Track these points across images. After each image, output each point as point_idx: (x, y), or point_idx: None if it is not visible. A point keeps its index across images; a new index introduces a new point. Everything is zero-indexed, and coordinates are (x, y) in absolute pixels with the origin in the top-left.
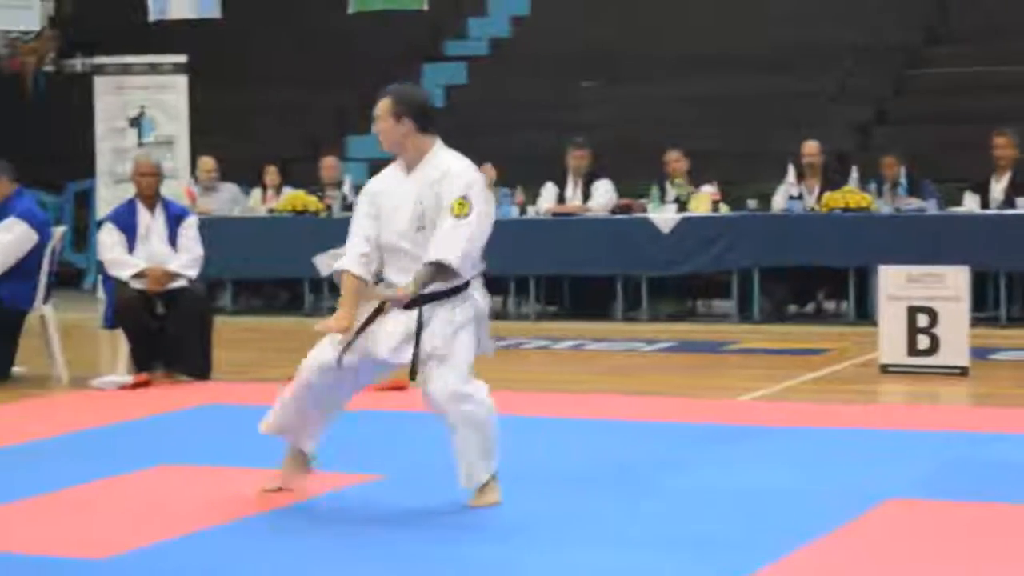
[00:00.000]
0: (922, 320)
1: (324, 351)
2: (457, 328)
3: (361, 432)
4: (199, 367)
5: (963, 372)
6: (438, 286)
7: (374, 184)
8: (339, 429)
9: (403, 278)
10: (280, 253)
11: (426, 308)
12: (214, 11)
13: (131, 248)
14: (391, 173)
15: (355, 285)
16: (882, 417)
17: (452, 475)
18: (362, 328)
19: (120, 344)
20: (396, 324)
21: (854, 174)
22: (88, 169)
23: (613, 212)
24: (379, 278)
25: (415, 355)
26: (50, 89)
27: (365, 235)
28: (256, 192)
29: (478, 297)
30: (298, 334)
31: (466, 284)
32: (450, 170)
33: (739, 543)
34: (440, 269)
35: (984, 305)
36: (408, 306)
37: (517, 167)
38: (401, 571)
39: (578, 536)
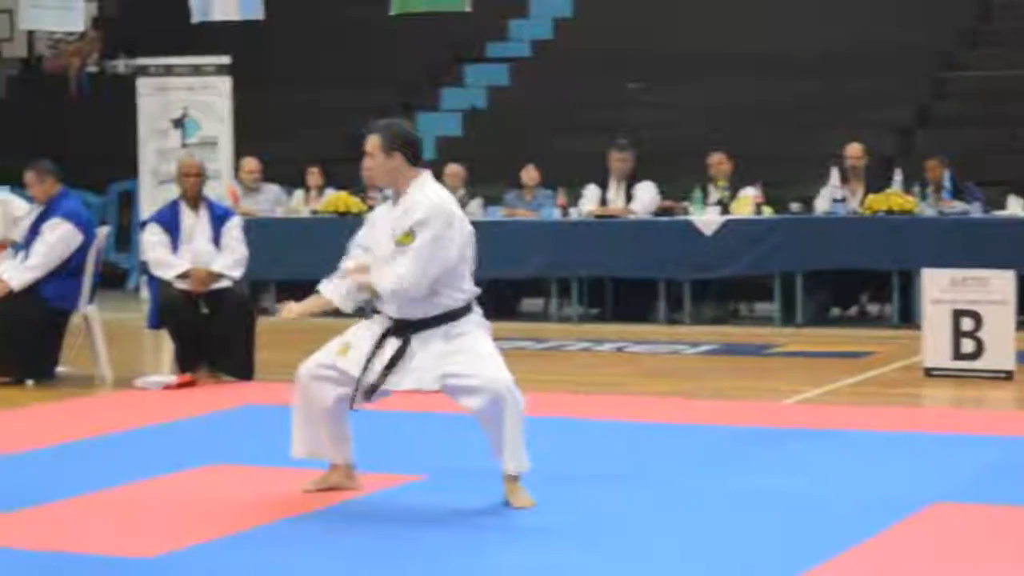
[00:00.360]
0: (967, 324)
1: (311, 361)
2: (463, 335)
3: (402, 433)
4: (243, 367)
5: (1008, 376)
6: (428, 311)
7: (373, 213)
8: (381, 430)
9: (389, 308)
10: (322, 254)
11: (421, 334)
12: (257, 12)
13: (175, 248)
14: (387, 204)
15: (320, 303)
16: (927, 420)
17: (492, 476)
18: (368, 363)
19: (164, 344)
20: (423, 356)
21: (898, 177)
22: (131, 170)
23: (656, 214)
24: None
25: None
26: (94, 90)
27: (351, 262)
28: (299, 193)
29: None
30: (340, 334)
31: (466, 308)
32: (413, 201)
33: (784, 546)
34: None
35: None
36: (399, 332)
37: (559, 169)
38: (439, 573)
39: (620, 539)
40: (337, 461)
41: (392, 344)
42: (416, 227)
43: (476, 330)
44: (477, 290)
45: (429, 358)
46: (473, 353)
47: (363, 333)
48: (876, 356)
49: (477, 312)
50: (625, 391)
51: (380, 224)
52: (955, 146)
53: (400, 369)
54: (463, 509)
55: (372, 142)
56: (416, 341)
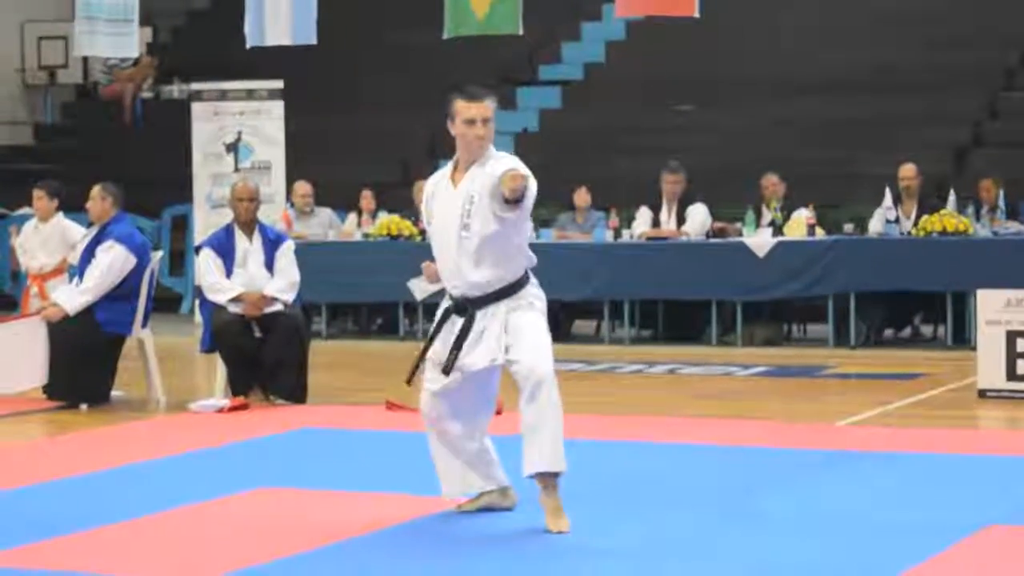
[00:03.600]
0: (1022, 345)
1: (424, 395)
2: (519, 310)
3: None
4: (295, 391)
5: None
6: (497, 284)
7: (429, 189)
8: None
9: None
10: (374, 277)
11: (486, 310)
12: (310, 37)
13: (229, 273)
14: (442, 179)
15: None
16: (982, 442)
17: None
18: (455, 348)
19: (217, 368)
20: (486, 336)
21: (951, 197)
22: (185, 194)
23: (708, 236)
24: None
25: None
26: (148, 115)
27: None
28: (351, 217)
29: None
30: (392, 358)
31: (526, 277)
32: (497, 162)
33: (838, 569)
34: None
35: None
36: (460, 310)
37: (611, 191)
38: None
39: (671, 562)
40: (489, 488)
41: (458, 322)
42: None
43: (532, 308)
44: (535, 258)
45: (495, 333)
46: (520, 335)
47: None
48: (930, 377)
49: (534, 282)
50: (677, 413)
51: (441, 198)
52: (1009, 166)
53: (471, 347)
54: (511, 530)
55: (489, 106)
56: (480, 316)
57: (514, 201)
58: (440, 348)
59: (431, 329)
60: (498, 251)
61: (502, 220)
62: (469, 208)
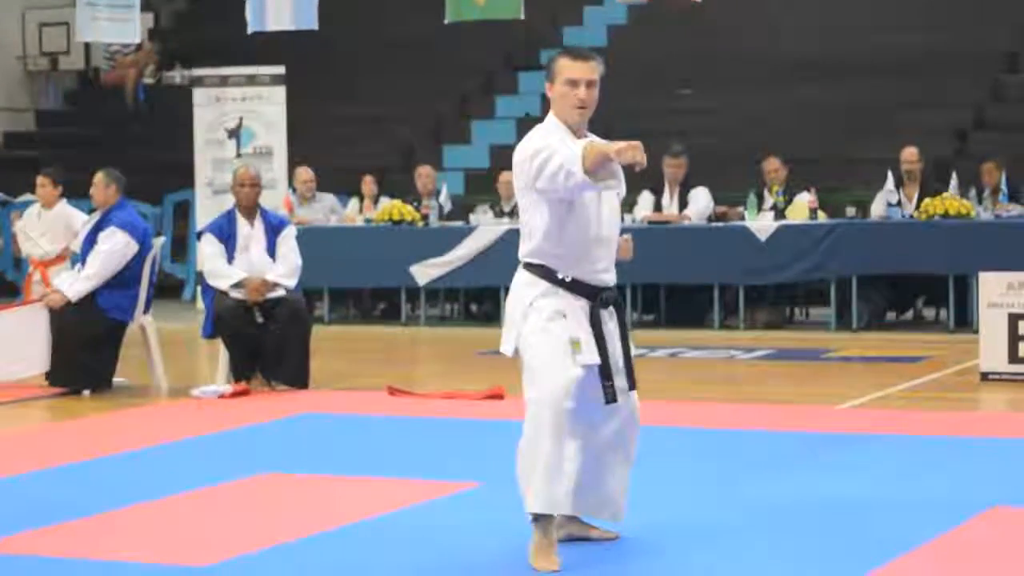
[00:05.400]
0: (1023, 328)
1: (557, 389)
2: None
3: (457, 440)
4: (297, 376)
5: None
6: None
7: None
8: (435, 437)
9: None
10: (377, 263)
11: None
12: (311, 22)
13: (230, 258)
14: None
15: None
16: (983, 425)
17: None
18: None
19: (219, 354)
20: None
21: (953, 181)
22: (187, 180)
23: (710, 220)
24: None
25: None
26: (150, 101)
27: None
28: (353, 202)
29: None
30: (395, 344)
31: None
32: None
33: (842, 551)
34: None
35: None
36: (610, 303)
37: None
38: None
39: (675, 545)
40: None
41: (609, 320)
42: None
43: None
44: None
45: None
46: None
47: (567, 321)
48: (932, 360)
49: None
50: (679, 397)
51: None
52: (1012, 149)
53: (610, 342)
54: (516, 518)
55: (596, 68)
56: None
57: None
58: (611, 350)
59: (589, 331)
60: None
61: None
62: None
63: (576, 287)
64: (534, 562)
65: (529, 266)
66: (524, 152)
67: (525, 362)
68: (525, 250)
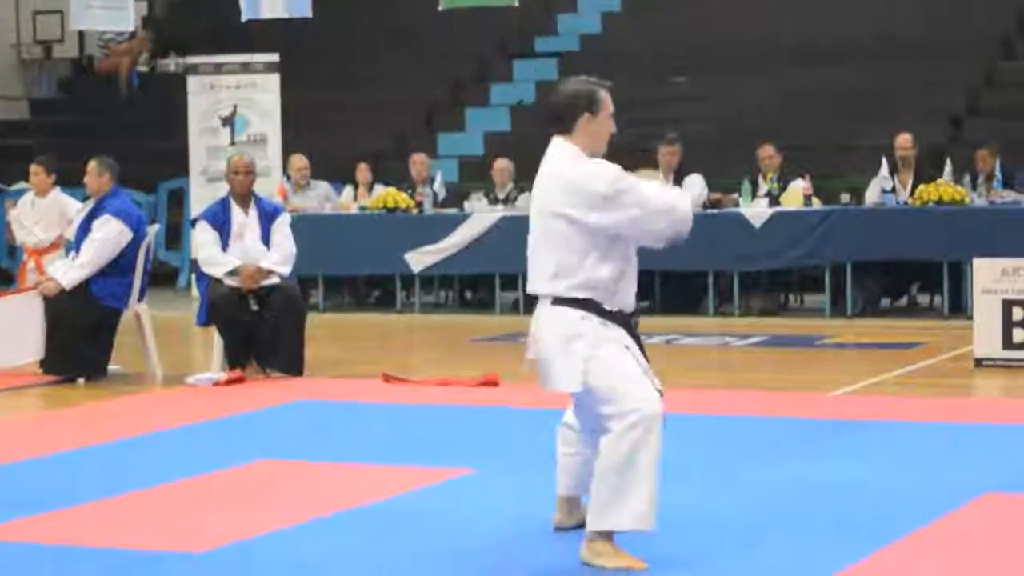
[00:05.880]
0: (1018, 313)
1: (659, 399)
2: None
3: (451, 427)
4: (292, 363)
5: None
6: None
7: None
8: (429, 423)
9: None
10: (371, 250)
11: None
12: (305, 10)
13: (225, 246)
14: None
15: None
16: (978, 411)
17: (540, 469)
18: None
19: (214, 341)
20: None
21: (948, 167)
22: (181, 168)
23: (704, 207)
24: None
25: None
26: (144, 89)
27: None
28: (348, 189)
29: None
30: (390, 331)
31: None
32: None
33: (836, 536)
34: None
35: None
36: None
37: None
38: (481, 571)
39: (667, 531)
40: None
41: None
42: None
43: None
44: None
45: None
46: None
47: (621, 347)
48: (926, 347)
49: None
50: (674, 384)
51: None
52: (1006, 135)
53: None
54: (511, 503)
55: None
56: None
57: None
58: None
59: (631, 351)
60: None
61: None
62: None
63: (618, 317)
64: (614, 563)
65: (574, 301)
66: (596, 176)
67: (609, 385)
68: (563, 285)
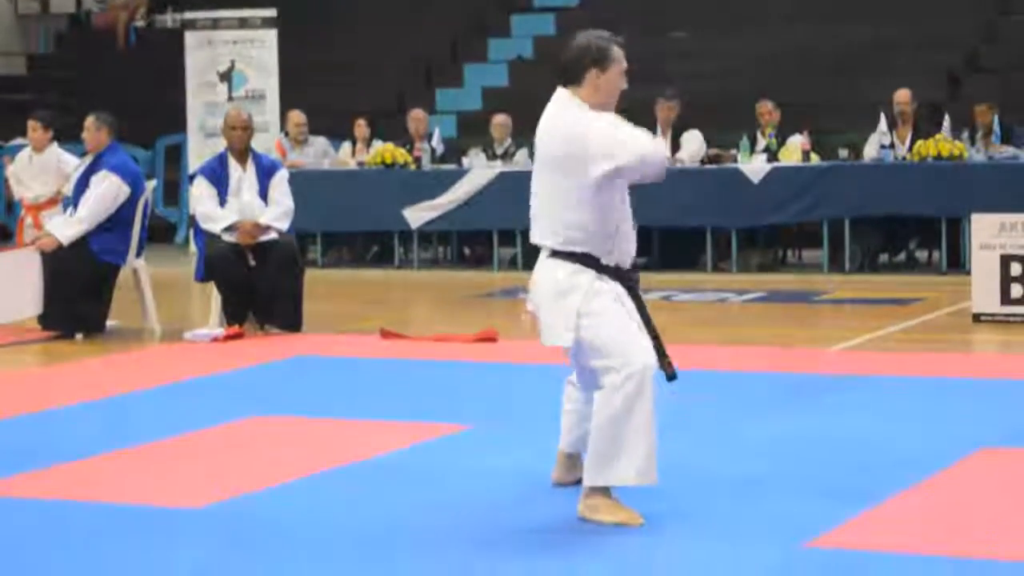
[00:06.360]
0: (1015, 269)
1: (650, 353)
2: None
3: (449, 383)
4: (290, 319)
5: None
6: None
7: None
8: (427, 379)
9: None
10: (370, 206)
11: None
12: None
13: (222, 202)
14: None
15: None
16: (975, 366)
17: (537, 426)
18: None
19: (212, 297)
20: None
21: (946, 122)
22: (179, 124)
23: (703, 163)
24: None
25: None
26: (141, 44)
27: None
28: (346, 145)
29: None
30: (388, 287)
31: None
32: None
33: (833, 491)
34: None
35: None
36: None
37: None
38: (477, 526)
39: (670, 485)
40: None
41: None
42: None
43: None
44: None
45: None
46: None
47: (614, 301)
48: (924, 302)
49: None
50: (672, 340)
51: None
52: (1005, 90)
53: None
54: (507, 459)
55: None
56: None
57: None
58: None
59: (625, 307)
60: None
61: None
62: None
63: (615, 272)
64: (611, 518)
65: (571, 255)
66: (590, 128)
67: (601, 339)
68: (560, 239)
